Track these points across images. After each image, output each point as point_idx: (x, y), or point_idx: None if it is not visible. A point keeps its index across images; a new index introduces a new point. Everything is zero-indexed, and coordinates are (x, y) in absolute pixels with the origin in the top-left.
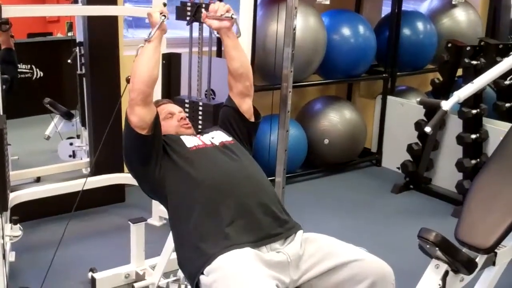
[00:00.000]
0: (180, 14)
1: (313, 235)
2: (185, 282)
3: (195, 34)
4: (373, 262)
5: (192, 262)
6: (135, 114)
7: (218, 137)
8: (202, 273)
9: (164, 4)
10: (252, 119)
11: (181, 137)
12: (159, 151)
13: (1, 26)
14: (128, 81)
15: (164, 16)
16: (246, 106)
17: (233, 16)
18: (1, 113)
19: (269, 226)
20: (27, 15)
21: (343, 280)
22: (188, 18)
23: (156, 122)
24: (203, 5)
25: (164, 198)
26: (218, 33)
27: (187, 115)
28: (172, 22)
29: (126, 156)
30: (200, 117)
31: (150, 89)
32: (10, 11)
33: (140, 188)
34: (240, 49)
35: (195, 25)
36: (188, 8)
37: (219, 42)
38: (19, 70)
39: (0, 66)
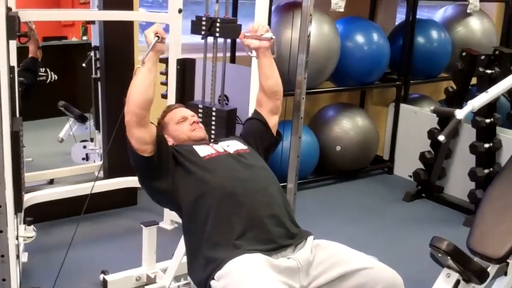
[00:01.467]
0: (195, 28)
1: (324, 242)
2: (195, 286)
3: (210, 39)
4: (383, 270)
5: (203, 269)
6: (133, 136)
7: (233, 145)
8: (213, 278)
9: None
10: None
11: (194, 146)
12: (168, 167)
13: (20, 38)
14: (123, 103)
15: (158, 37)
16: (273, 122)
17: (272, 36)
18: (18, 116)
19: (280, 238)
20: (45, 19)
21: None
22: (203, 32)
23: (158, 141)
24: (218, 20)
25: (178, 208)
26: (253, 51)
27: (200, 120)
28: (188, 26)
29: (136, 173)
30: (213, 123)
31: (145, 111)
32: (29, 15)
33: (152, 199)
34: (275, 68)
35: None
36: (203, 23)
37: (233, 48)
38: None
39: (20, 71)
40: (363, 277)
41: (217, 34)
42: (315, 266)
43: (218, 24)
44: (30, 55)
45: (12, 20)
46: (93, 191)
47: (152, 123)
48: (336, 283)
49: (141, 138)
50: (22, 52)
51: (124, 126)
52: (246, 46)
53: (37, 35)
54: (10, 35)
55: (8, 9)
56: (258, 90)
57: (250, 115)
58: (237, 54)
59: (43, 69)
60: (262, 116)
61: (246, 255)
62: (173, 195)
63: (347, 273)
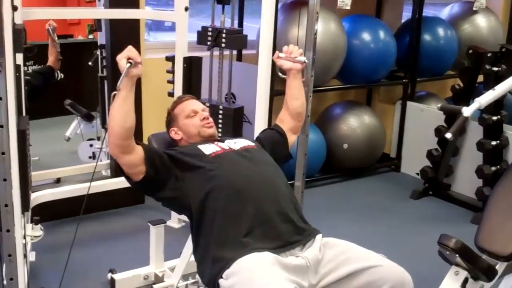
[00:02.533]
0: (201, 39)
1: (333, 240)
2: (204, 284)
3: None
4: (392, 268)
5: (211, 267)
6: (122, 164)
7: (240, 142)
8: (221, 277)
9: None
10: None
11: (199, 146)
12: (169, 174)
13: (25, 51)
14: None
15: (130, 63)
16: (291, 140)
17: (305, 60)
18: (24, 114)
19: (288, 234)
20: (52, 18)
21: (361, 286)
22: (209, 43)
23: (148, 158)
24: (224, 31)
25: (189, 209)
26: (283, 72)
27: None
28: (194, 25)
29: (143, 192)
30: (220, 121)
31: (127, 140)
32: (35, 14)
33: (163, 205)
34: (303, 90)
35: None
36: (209, 33)
37: None
38: (39, 71)
39: (32, 73)
40: (372, 275)
41: (223, 45)
42: (324, 264)
43: (224, 35)
44: (48, 64)
45: (18, 33)
46: (100, 190)
47: (138, 143)
48: (345, 281)
49: (130, 163)
50: (42, 52)
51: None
52: (278, 66)
53: (58, 47)
54: (17, 48)
55: (14, 23)
56: (283, 109)
57: (256, 111)
58: (243, 52)
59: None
60: (283, 130)
61: (254, 254)
62: (182, 198)
63: (356, 271)
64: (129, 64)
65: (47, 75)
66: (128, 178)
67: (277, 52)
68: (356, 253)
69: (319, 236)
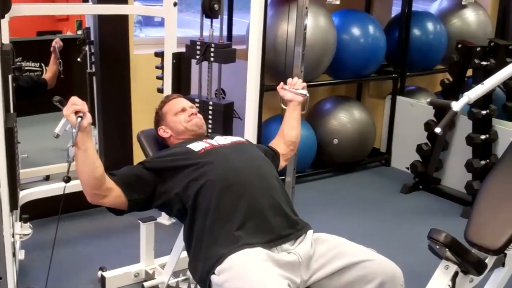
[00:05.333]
0: (190, 53)
1: (324, 235)
2: (195, 282)
3: (206, 33)
4: (382, 262)
5: (203, 264)
6: (106, 205)
7: (230, 138)
8: (213, 273)
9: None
10: None
11: (188, 145)
12: (155, 187)
13: (14, 71)
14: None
15: (80, 117)
16: (282, 165)
17: (307, 94)
18: (12, 111)
19: (280, 228)
20: (38, 14)
21: (352, 280)
22: (198, 57)
23: (128, 190)
24: (212, 45)
25: (184, 210)
26: (285, 103)
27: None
28: (183, 20)
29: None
30: (210, 117)
31: (102, 187)
32: (22, 10)
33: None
34: (300, 121)
35: (205, 25)
36: (198, 47)
37: (229, 41)
38: (28, 68)
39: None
40: (363, 270)
41: (212, 59)
42: (315, 259)
43: (212, 49)
44: (43, 77)
45: (6, 55)
46: None
47: (111, 177)
48: (336, 276)
49: (114, 203)
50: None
51: (120, 121)
52: (281, 96)
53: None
54: (5, 70)
55: (2, 43)
56: (277, 135)
57: (246, 107)
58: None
59: (38, 64)
60: (278, 152)
61: (246, 250)
62: (174, 199)
63: (347, 265)
64: (79, 119)
65: (38, 86)
66: (117, 213)
67: (281, 83)
68: (347, 248)
69: (310, 232)
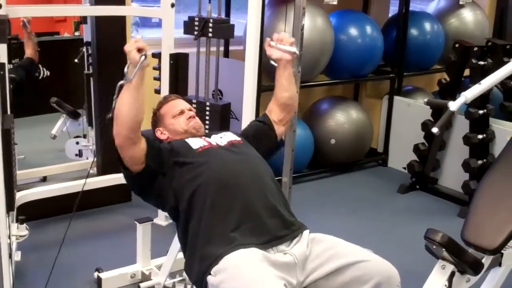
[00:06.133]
0: (188, 29)
1: (320, 236)
2: (191, 283)
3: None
4: (378, 263)
5: (199, 265)
6: (127, 156)
7: (226, 137)
8: (210, 273)
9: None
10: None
11: (187, 140)
12: (163, 167)
13: (10, 42)
14: (110, 120)
15: (144, 55)
16: (280, 131)
17: (296, 52)
18: (9, 113)
19: (275, 229)
20: (36, 15)
21: (348, 281)
22: (195, 33)
23: (150, 153)
24: (211, 20)
25: (176, 209)
26: (275, 62)
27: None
28: (181, 21)
29: (133, 188)
30: (207, 117)
31: (137, 132)
32: (19, 11)
33: (149, 203)
34: (293, 82)
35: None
36: (196, 23)
37: (227, 42)
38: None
39: (14, 68)
40: (359, 270)
41: (210, 35)
42: (311, 260)
43: (210, 25)
44: (26, 56)
45: (1, 24)
46: (86, 188)
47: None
48: (332, 276)
49: (134, 155)
50: (20, 50)
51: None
52: (268, 55)
53: (35, 38)
54: (1, 39)
55: None
56: (272, 99)
57: (243, 108)
58: (230, 48)
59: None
60: (271, 121)
61: (242, 250)
62: (169, 196)
63: (343, 266)
64: (143, 57)
65: (29, 67)
66: (127, 170)
67: (268, 39)
68: (342, 249)
69: (306, 232)
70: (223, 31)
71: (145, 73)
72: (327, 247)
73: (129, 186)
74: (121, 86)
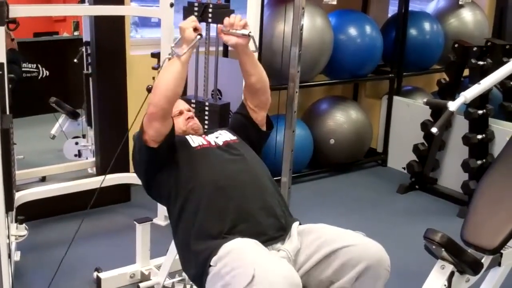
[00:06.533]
0: (187, 14)
1: (309, 227)
2: (190, 282)
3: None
4: (367, 246)
5: (195, 262)
6: (153, 127)
7: (222, 136)
8: (210, 265)
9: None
10: (264, 128)
11: (187, 137)
12: (170, 158)
13: (8, 25)
14: (149, 90)
15: (200, 35)
16: (260, 117)
17: (250, 34)
18: (8, 113)
19: (272, 229)
20: (35, 15)
21: (338, 267)
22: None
23: (171, 134)
24: (210, 5)
25: (174, 203)
26: (234, 48)
27: (194, 111)
28: (180, 20)
29: (139, 170)
30: (206, 117)
31: (172, 105)
32: (18, 11)
33: (148, 194)
34: (258, 64)
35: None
36: (196, 8)
37: None
38: (25, 69)
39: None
40: (346, 255)
41: (210, 20)
42: (301, 251)
43: (210, 10)
44: (8, 48)
45: (0, 6)
46: (85, 188)
47: None
48: (321, 265)
49: (160, 130)
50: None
51: (116, 122)
52: (224, 42)
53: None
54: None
55: None
56: (243, 86)
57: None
58: (229, 48)
59: (34, 65)
60: (247, 111)
61: (239, 239)
62: (167, 193)
63: (330, 253)
64: (199, 36)
65: (15, 59)
66: (143, 143)
67: (219, 26)
68: (331, 235)
69: (295, 224)
70: (223, 16)
71: (191, 55)
72: (315, 237)
73: (137, 168)
74: (167, 60)
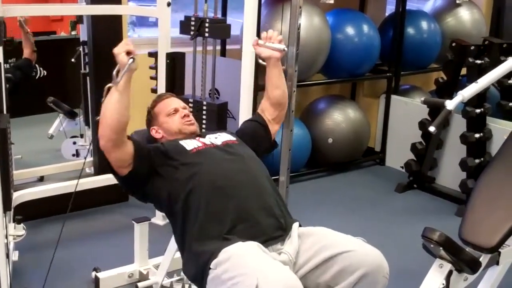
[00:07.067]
0: (184, 29)
1: (309, 229)
2: (189, 282)
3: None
4: (366, 253)
5: (195, 263)
6: (113, 158)
7: (221, 137)
8: (209, 268)
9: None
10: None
11: (181, 142)
12: (153, 174)
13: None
14: (97, 123)
15: (133, 58)
16: (273, 129)
17: (284, 49)
18: (5, 112)
19: (271, 229)
20: (31, 14)
21: (336, 272)
22: (192, 32)
23: (137, 156)
24: (207, 20)
25: (172, 209)
26: (264, 60)
27: (191, 110)
28: (177, 20)
29: (127, 190)
30: (204, 117)
31: (120, 135)
32: (15, 11)
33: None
34: (284, 79)
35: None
36: (192, 23)
37: (223, 41)
38: None
39: (11, 68)
40: (345, 261)
41: (206, 35)
42: (301, 254)
43: (207, 24)
44: (24, 57)
45: None
46: (83, 188)
47: (128, 138)
48: (320, 268)
49: (120, 158)
50: (16, 50)
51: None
52: (257, 54)
53: (32, 38)
54: None
55: None
56: (264, 97)
57: (240, 107)
58: (227, 47)
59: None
60: (264, 120)
61: (240, 243)
62: (166, 197)
63: (329, 257)
64: (132, 60)
65: (26, 68)
66: (115, 173)
67: (255, 38)
68: (332, 240)
69: (295, 225)
70: (219, 31)
71: (132, 77)
72: (316, 240)
73: (122, 188)
74: (109, 89)
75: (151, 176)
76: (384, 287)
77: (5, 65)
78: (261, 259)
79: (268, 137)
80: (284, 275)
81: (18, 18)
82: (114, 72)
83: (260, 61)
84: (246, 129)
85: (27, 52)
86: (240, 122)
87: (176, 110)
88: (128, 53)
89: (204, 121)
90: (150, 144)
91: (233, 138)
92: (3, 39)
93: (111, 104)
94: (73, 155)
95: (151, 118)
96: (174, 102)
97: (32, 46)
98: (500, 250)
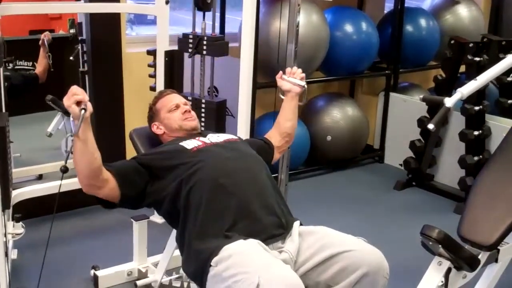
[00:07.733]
0: (182, 46)
1: (310, 228)
2: (188, 280)
3: (198, 29)
4: (367, 252)
5: (195, 261)
6: (100, 195)
7: (223, 136)
8: (210, 265)
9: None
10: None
11: (181, 143)
12: (147, 183)
13: (6, 64)
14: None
15: (84, 109)
16: (275, 157)
17: (305, 86)
18: (3, 111)
19: (272, 227)
20: (29, 13)
21: (336, 272)
22: (190, 50)
23: (123, 183)
24: (205, 38)
25: (176, 210)
26: (283, 93)
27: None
28: (177, 18)
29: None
30: (203, 114)
31: (97, 178)
32: (12, 9)
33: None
34: (296, 113)
35: (198, 20)
36: (190, 41)
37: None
38: (21, 67)
39: (15, 71)
40: (345, 260)
41: (204, 53)
42: (302, 252)
43: (204, 42)
44: (35, 72)
45: None
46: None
47: (108, 168)
48: (320, 267)
49: (108, 195)
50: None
51: (112, 119)
52: (279, 86)
53: (50, 60)
54: None
55: None
56: (273, 126)
57: (239, 105)
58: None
59: (30, 62)
60: (272, 144)
61: (241, 241)
62: (167, 201)
63: (330, 256)
64: (83, 111)
65: (30, 81)
66: (107, 204)
67: (280, 72)
68: (332, 239)
69: (296, 224)
70: (217, 49)
71: (89, 123)
72: (316, 239)
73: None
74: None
75: (145, 189)
76: (384, 287)
77: (6, 66)
78: (263, 258)
79: (270, 157)
80: (285, 274)
81: (42, 36)
82: (71, 123)
83: (280, 95)
84: (254, 143)
85: (39, 70)
86: (239, 120)
87: (177, 106)
88: (78, 103)
89: (203, 119)
90: (152, 141)
91: (234, 137)
92: (3, 60)
93: (78, 155)
94: (72, 153)
95: (152, 114)
96: (175, 98)
97: (47, 67)
98: (499, 247)
